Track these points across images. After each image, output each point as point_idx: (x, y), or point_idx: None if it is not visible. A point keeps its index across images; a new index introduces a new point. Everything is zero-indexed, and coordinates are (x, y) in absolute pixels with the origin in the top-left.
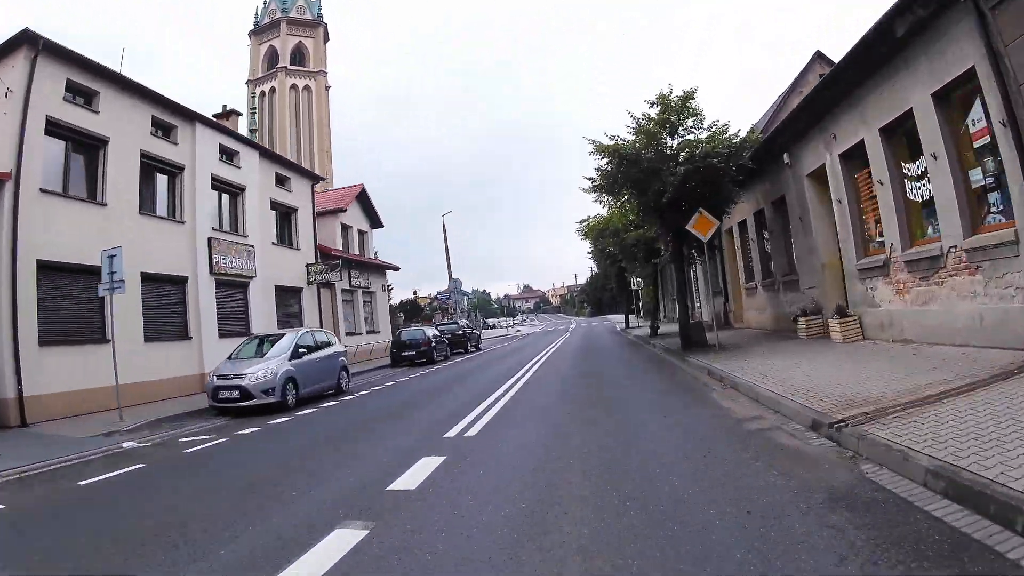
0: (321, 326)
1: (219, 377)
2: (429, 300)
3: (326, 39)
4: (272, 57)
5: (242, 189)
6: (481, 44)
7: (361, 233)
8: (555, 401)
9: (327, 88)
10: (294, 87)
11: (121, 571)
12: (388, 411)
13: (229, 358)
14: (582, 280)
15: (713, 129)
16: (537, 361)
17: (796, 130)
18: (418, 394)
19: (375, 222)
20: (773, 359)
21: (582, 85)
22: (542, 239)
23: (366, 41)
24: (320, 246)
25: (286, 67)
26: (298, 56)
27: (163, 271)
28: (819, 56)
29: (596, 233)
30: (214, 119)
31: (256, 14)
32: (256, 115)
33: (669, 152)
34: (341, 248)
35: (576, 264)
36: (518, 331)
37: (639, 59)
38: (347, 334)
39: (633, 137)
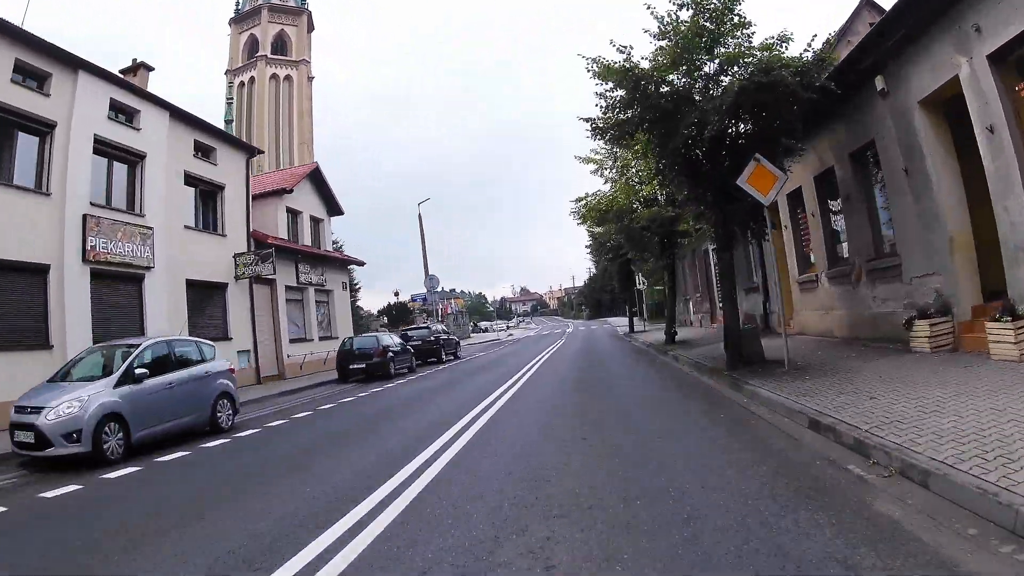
0: (254, 330)
1: (17, 410)
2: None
3: (310, 28)
4: (253, 46)
5: (141, 156)
6: (481, 44)
7: (315, 220)
8: (522, 489)
9: (310, 78)
10: (275, 76)
11: None
12: (227, 490)
13: (50, 380)
14: (580, 282)
15: (770, 43)
16: (520, 378)
17: (898, 39)
18: (316, 443)
19: (333, 209)
20: (928, 394)
21: (582, 85)
22: (542, 239)
23: (365, 40)
24: (257, 233)
25: (267, 56)
26: (280, 45)
27: (13, 257)
28: (868, 3)
29: (596, 217)
30: (108, 70)
31: (237, 1)
32: (233, 105)
33: (707, 74)
34: (287, 237)
35: (575, 266)
36: (510, 335)
37: None
38: (291, 341)
39: (654, 53)
